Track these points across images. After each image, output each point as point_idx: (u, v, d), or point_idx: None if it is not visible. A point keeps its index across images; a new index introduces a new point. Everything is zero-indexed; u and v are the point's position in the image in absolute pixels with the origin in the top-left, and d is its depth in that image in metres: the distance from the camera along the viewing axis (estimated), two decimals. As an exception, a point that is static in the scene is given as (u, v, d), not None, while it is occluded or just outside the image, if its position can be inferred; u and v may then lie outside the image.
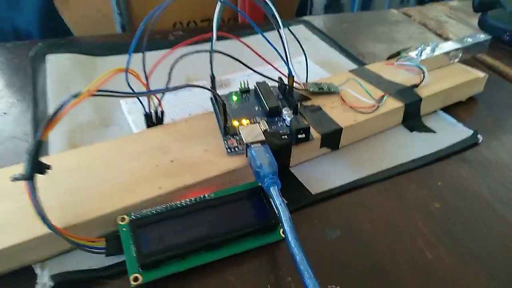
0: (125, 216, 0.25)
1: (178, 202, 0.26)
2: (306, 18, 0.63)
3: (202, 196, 0.27)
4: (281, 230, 0.26)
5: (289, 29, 0.35)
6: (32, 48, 0.46)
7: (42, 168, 0.22)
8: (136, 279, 0.23)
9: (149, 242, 0.24)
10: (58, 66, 0.43)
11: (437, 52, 0.42)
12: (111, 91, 0.24)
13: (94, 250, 0.25)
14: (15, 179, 0.21)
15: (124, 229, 0.25)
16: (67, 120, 0.37)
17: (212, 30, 0.31)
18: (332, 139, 0.33)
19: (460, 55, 0.43)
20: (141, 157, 0.30)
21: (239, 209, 0.26)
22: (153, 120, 0.34)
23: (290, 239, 0.21)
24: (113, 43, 0.50)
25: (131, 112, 0.38)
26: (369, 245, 0.26)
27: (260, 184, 0.27)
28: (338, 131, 0.33)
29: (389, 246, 0.26)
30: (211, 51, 0.31)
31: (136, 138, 0.32)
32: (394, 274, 0.25)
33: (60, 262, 0.25)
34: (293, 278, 0.24)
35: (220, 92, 0.36)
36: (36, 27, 0.70)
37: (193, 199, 0.27)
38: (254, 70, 0.32)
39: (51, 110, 0.38)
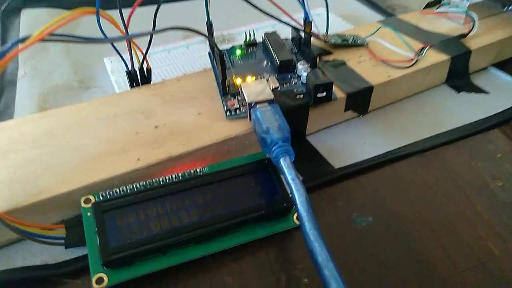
0: (91, 197, 0.19)
1: (161, 179, 0.20)
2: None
3: (192, 171, 0.21)
4: (295, 216, 0.20)
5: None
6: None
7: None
8: (100, 280, 0.17)
9: (119, 232, 0.18)
10: (33, 21, 0.37)
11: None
12: (70, 36, 0.18)
13: (50, 241, 0.19)
14: None
15: (88, 213, 0.19)
16: (38, 80, 0.31)
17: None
18: (360, 100, 0.26)
19: (516, 0, 0.35)
20: (119, 122, 0.23)
21: (240, 188, 0.20)
22: (138, 79, 0.27)
23: (307, 229, 0.15)
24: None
25: (115, 72, 0.31)
26: (411, 236, 0.20)
27: (267, 155, 0.21)
28: (368, 90, 0.26)
29: (439, 237, 0.20)
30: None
31: (114, 100, 0.25)
32: (448, 274, 0.18)
33: (6, 256, 0.19)
34: (312, 280, 0.18)
35: (222, 48, 0.29)
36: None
37: (180, 174, 0.20)
38: (262, 11, 0.25)
39: (22, 69, 0.32)
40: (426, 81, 0.29)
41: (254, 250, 0.19)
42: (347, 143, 0.25)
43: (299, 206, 0.16)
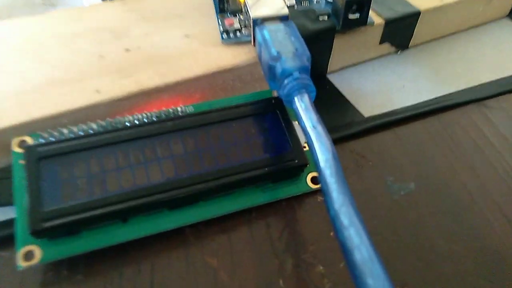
0: (28, 138, 0.14)
1: (126, 118, 0.15)
2: None
3: (171, 110, 0.15)
4: (309, 177, 0.15)
5: None
6: None
7: None
8: (29, 255, 0.12)
9: (59, 189, 0.13)
10: None
11: None
12: None
13: (-29, 196, 0.14)
14: None
15: (21, 161, 0.13)
16: (-9, -7, 0.25)
17: None
18: (402, 29, 0.20)
19: None
20: (78, 42, 0.18)
21: (235, 136, 0.15)
22: (111, -10, 0.21)
23: (337, 206, 0.09)
24: None
25: (88, -15, 0.25)
26: (469, 212, 0.14)
27: (276, 92, 0.15)
28: (413, 16, 0.20)
29: (508, 215, 0.14)
30: None
31: (78, 14, 0.19)
32: (521, 270, 0.13)
33: None
34: (330, 269, 0.13)
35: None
36: None
37: (154, 114, 0.15)
38: None
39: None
40: (486, 11, 0.23)
41: (250, 222, 0.14)
42: (381, 85, 0.19)
43: (323, 167, 0.10)
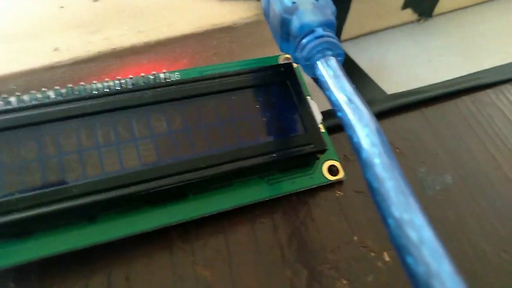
0: (-40, 108, 0.10)
1: (93, 86, 0.11)
2: None
3: (151, 77, 0.12)
4: (326, 165, 0.12)
5: None
6: None
7: None
8: (-47, 267, 0.09)
9: (3, 175, 0.09)
10: None
11: None
12: None
13: None
14: None
15: (-50, 138, 0.10)
16: None
17: None
18: (428, -8, 0.17)
19: None
20: (34, -11, 0.14)
21: (233, 112, 0.11)
22: None
23: (398, 210, 0.06)
24: None
25: None
26: (517, 212, 0.12)
27: (288, 57, 0.12)
28: (442, -23, 0.17)
29: None
30: None
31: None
32: None
33: None
34: (354, 284, 0.10)
35: None
36: None
37: (130, 81, 0.11)
38: None
39: None
40: (520, -23, 0.20)
41: (253, 223, 0.11)
42: (404, 58, 0.16)
43: (370, 155, 0.07)
